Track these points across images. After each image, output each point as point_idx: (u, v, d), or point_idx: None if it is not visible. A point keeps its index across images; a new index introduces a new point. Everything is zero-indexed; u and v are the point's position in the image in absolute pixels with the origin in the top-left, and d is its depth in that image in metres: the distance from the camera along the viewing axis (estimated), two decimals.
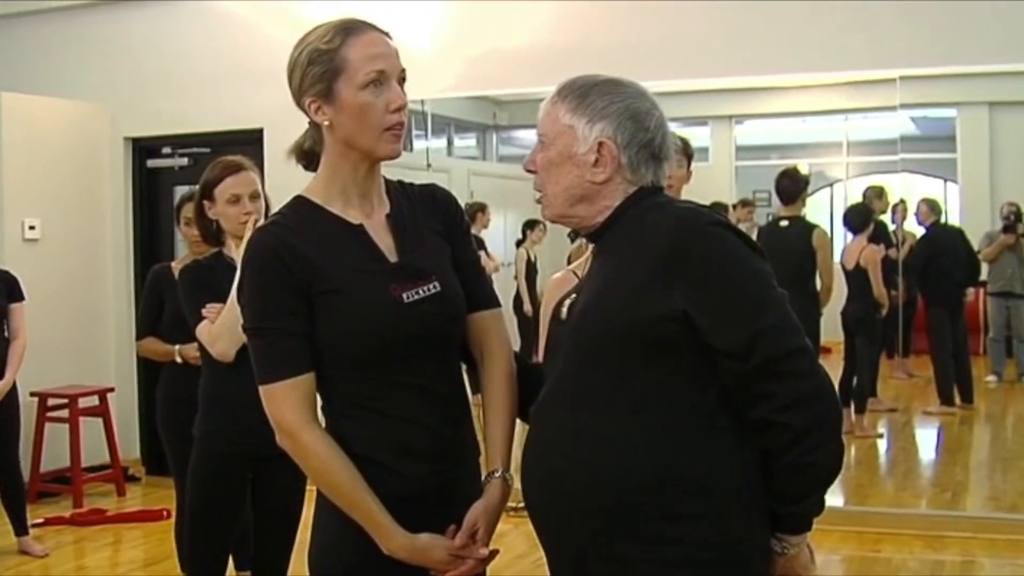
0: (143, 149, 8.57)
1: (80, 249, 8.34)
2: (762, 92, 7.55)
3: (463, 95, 7.55)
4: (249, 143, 7.87)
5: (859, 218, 7.34)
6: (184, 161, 8.40)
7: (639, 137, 2.31)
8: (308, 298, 2.32)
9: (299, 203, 2.45)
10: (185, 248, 5.05)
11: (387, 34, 2.39)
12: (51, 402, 7.64)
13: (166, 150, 8.49)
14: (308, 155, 2.53)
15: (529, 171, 2.39)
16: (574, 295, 2.37)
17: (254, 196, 3.98)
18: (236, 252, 3.91)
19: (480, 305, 2.54)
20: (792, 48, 6.68)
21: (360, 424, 2.36)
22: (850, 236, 7.41)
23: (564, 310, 2.37)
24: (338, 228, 2.40)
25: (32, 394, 7.36)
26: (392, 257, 2.41)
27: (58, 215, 8.10)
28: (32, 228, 7.92)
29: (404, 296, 2.36)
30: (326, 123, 2.41)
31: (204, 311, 3.90)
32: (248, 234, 3.84)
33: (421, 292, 2.38)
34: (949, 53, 6.40)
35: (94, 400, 7.81)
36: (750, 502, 2.19)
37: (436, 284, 2.41)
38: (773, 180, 7.05)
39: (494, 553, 2.43)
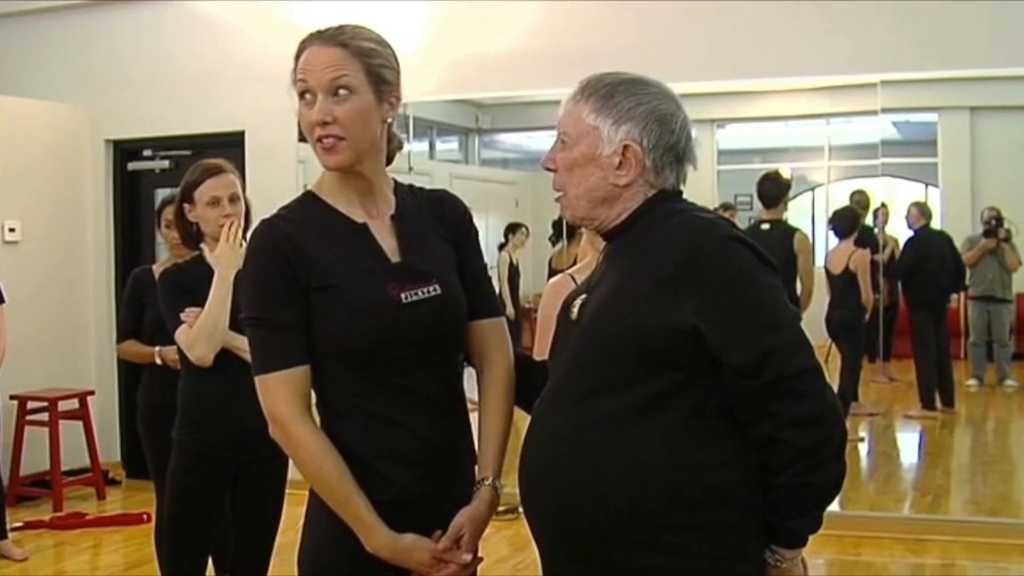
0: (124, 151, 8.53)
1: (60, 252, 8.30)
2: (744, 96, 7.57)
3: (445, 98, 7.54)
4: (230, 146, 7.87)
5: (846, 223, 7.36)
6: (165, 164, 8.37)
7: (664, 140, 2.28)
8: (306, 292, 2.33)
9: (307, 199, 2.48)
10: (166, 251, 5.05)
11: (339, 42, 2.36)
12: (31, 405, 7.60)
13: (147, 152, 8.46)
14: None
15: (548, 169, 2.36)
16: (584, 295, 2.35)
17: (233, 199, 3.97)
18: (213, 255, 3.90)
19: (483, 313, 2.55)
20: (774, 52, 6.69)
21: (352, 424, 2.37)
22: (835, 240, 7.42)
23: (575, 310, 2.34)
24: (342, 225, 2.42)
25: (12, 397, 7.34)
26: (394, 257, 2.42)
27: (38, 217, 8.07)
28: (12, 230, 7.88)
29: (402, 296, 2.37)
30: None
31: (183, 315, 3.89)
32: (224, 237, 3.85)
33: (420, 294, 2.39)
34: (930, 58, 6.42)
35: (74, 403, 7.77)
36: (752, 512, 2.18)
37: (436, 287, 2.42)
38: (755, 184, 7.08)
39: (477, 560, 2.43)
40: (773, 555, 2.22)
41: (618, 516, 2.15)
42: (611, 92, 2.28)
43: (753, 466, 2.17)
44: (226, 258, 3.86)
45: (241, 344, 3.77)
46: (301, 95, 2.37)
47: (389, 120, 2.44)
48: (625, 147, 2.26)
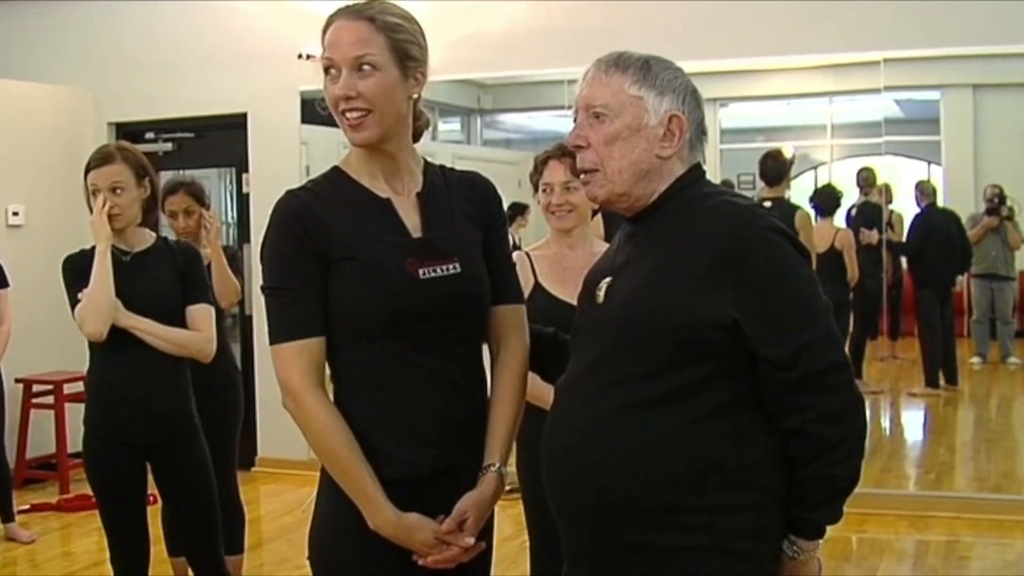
0: (127, 134, 8.50)
1: (64, 235, 8.23)
2: (747, 75, 7.55)
3: (447, 78, 7.51)
4: (233, 127, 7.89)
5: (828, 201, 7.36)
6: (168, 146, 8.36)
7: (697, 114, 2.30)
8: (325, 263, 2.33)
9: (333, 174, 2.48)
10: (171, 235, 5.04)
11: (365, 17, 2.36)
12: (36, 388, 7.63)
13: (150, 135, 8.46)
14: None
15: (576, 147, 2.32)
16: (609, 278, 2.33)
17: (115, 189, 3.92)
18: (91, 227, 3.91)
19: (503, 299, 2.54)
20: (777, 30, 6.68)
21: (365, 399, 2.37)
22: (840, 219, 7.41)
23: (600, 293, 2.33)
24: (365, 200, 2.41)
25: (17, 380, 7.35)
26: (416, 234, 2.41)
27: (41, 201, 8.06)
28: (15, 214, 7.90)
29: (420, 272, 2.36)
30: None
31: (80, 295, 3.87)
32: (94, 210, 3.83)
33: (439, 271, 2.38)
34: (933, 35, 6.42)
35: (79, 386, 7.76)
36: (776, 498, 2.20)
37: (457, 265, 2.41)
38: (757, 163, 7.06)
39: (480, 546, 2.42)
40: (792, 547, 2.23)
41: (647, 499, 2.16)
42: (647, 64, 2.28)
43: (779, 454, 2.18)
44: (95, 230, 3.87)
45: (136, 324, 3.80)
46: (326, 70, 2.36)
47: (415, 96, 2.44)
48: (672, 117, 2.26)
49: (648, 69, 2.27)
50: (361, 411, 2.36)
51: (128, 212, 3.94)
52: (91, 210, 4.00)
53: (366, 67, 2.33)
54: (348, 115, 2.35)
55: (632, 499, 2.17)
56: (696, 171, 2.33)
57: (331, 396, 2.40)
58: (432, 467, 2.38)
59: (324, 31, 2.38)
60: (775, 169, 6.94)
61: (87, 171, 3.98)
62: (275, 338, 2.35)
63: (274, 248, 2.37)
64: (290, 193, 2.42)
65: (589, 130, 2.29)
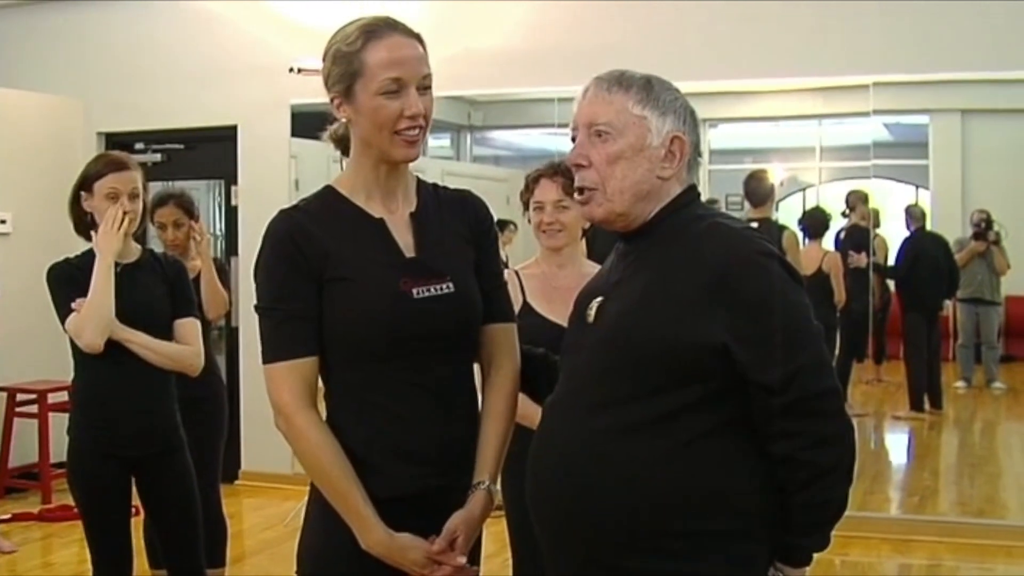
0: (116, 144, 8.47)
1: (51, 244, 8.14)
2: (736, 96, 7.56)
3: (437, 95, 7.45)
4: (223, 139, 7.89)
5: (816, 223, 7.37)
6: (157, 157, 8.35)
7: (695, 136, 2.30)
8: (319, 284, 2.34)
9: (326, 192, 2.48)
10: (159, 247, 5.03)
11: (415, 36, 2.39)
12: (20, 397, 7.60)
13: (139, 146, 8.44)
14: (342, 141, 2.52)
15: (577, 165, 2.31)
16: (600, 297, 2.32)
17: (133, 195, 3.92)
18: (95, 241, 3.89)
19: (495, 317, 2.54)
20: (766, 52, 6.71)
21: (357, 417, 2.37)
22: (828, 242, 7.42)
23: (591, 312, 2.32)
24: (359, 219, 2.41)
25: (1, 389, 7.31)
26: (409, 253, 2.41)
27: (30, 209, 8.03)
28: (3, 222, 7.88)
29: (414, 291, 2.36)
30: (345, 119, 2.42)
31: (74, 304, 3.84)
32: (105, 223, 3.79)
33: (433, 290, 2.38)
34: (922, 60, 6.45)
35: (63, 395, 7.74)
36: (765, 524, 2.18)
37: (450, 285, 2.41)
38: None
39: (474, 571, 2.43)
40: (778, 573, 2.22)
41: (634, 523, 2.15)
42: (649, 84, 2.27)
43: (769, 479, 2.17)
44: (105, 243, 3.84)
45: (131, 336, 3.79)
46: (387, 89, 2.33)
47: None
48: (674, 138, 2.25)
49: (651, 88, 2.27)
50: (353, 429, 2.37)
51: (137, 219, 3.95)
52: (76, 218, 3.99)
53: (427, 86, 2.37)
54: (409, 132, 2.35)
55: (617, 522, 2.16)
56: (691, 192, 2.32)
57: (324, 414, 2.40)
58: (424, 486, 2.38)
59: (367, 43, 2.35)
60: (758, 190, 6.97)
61: (98, 176, 3.94)
62: (267, 357, 2.36)
63: (267, 268, 2.38)
64: (283, 213, 2.42)
65: (591, 148, 2.28)
